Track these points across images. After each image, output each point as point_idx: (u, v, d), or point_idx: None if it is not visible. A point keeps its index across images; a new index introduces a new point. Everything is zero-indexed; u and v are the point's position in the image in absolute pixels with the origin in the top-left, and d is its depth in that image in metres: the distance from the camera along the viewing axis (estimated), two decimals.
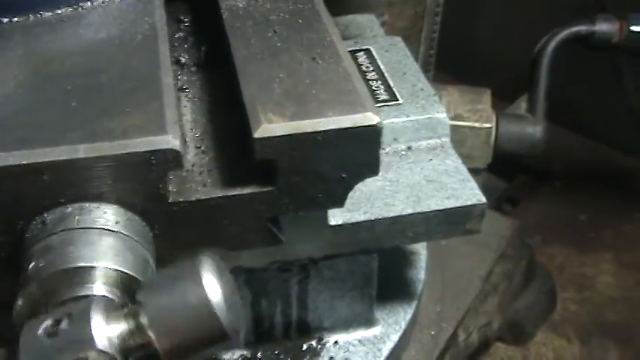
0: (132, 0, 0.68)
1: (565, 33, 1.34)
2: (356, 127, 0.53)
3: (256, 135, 0.51)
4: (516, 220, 1.46)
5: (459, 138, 1.41)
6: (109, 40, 0.62)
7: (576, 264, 1.75)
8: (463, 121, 1.36)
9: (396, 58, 0.90)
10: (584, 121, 2.13)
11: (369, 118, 0.53)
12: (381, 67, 0.88)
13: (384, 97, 0.83)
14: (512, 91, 2.21)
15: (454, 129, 1.36)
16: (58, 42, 0.62)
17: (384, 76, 0.86)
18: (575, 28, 1.34)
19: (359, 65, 0.87)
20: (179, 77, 0.68)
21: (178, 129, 0.52)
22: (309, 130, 0.52)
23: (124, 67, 0.58)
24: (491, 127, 1.35)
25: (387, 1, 1.15)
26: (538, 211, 2.02)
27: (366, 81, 0.84)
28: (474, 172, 1.43)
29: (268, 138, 0.51)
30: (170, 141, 0.51)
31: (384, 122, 0.75)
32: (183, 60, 0.70)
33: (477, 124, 1.35)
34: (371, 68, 0.87)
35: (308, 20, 0.66)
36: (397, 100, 0.82)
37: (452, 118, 1.38)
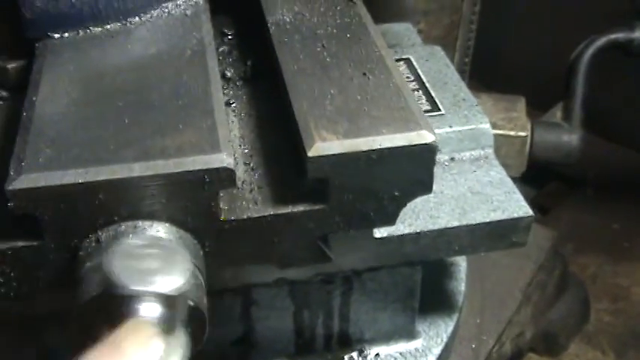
0: (179, 15, 0.69)
1: (603, 40, 1.32)
2: (411, 146, 0.52)
3: (310, 154, 0.51)
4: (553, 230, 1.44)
5: (495, 146, 1.40)
6: (158, 56, 0.62)
7: (610, 274, 1.73)
8: (497, 129, 1.34)
9: (437, 68, 0.89)
10: (618, 128, 2.10)
11: (424, 136, 0.52)
12: (422, 76, 0.87)
13: (425, 107, 0.82)
14: (545, 100, 2.19)
15: None
16: (109, 57, 0.62)
17: (425, 86, 0.85)
18: (613, 35, 1.32)
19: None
20: (225, 91, 0.68)
21: (231, 147, 0.52)
22: (364, 148, 0.51)
23: (175, 84, 0.58)
24: (526, 136, 1.33)
25: (423, 10, 1.14)
26: (569, 220, 1.99)
27: None
28: None
29: (322, 157, 0.51)
30: (224, 159, 0.50)
31: None
32: (229, 74, 0.70)
33: (511, 133, 1.34)
34: (412, 78, 0.87)
35: (356, 34, 0.66)
36: (439, 110, 0.82)
37: None
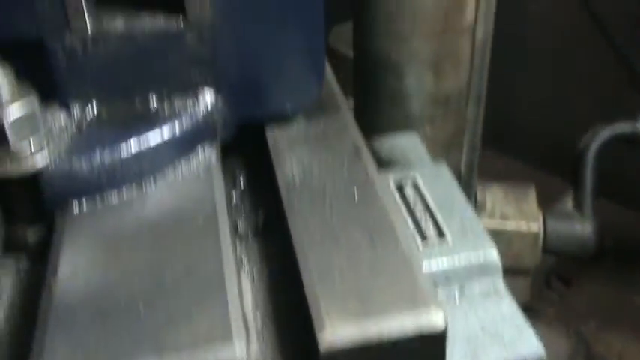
0: (193, 177, 0.72)
1: (608, 134, 1.34)
2: (421, 334, 0.54)
3: (322, 347, 0.53)
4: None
5: (506, 240, 1.42)
6: (172, 225, 0.65)
7: (635, 352, 1.70)
8: (509, 223, 1.36)
9: (443, 190, 0.91)
10: (632, 193, 2.10)
11: (434, 323, 0.54)
12: (428, 200, 0.89)
13: (433, 235, 0.83)
14: (550, 161, 2.19)
15: (501, 233, 1.38)
16: (125, 227, 0.65)
17: (431, 211, 0.87)
18: (618, 129, 1.34)
19: (405, 198, 0.88)
20: (237, 248, 0.70)
21: (244, 336, 0.54)
22: (375, 336, 0.53)
23: (188, 262, 0.60)
24: (538, 230, 1.35)
25: (429, 116, 1.17)
26: (591, 293, 1.97)
27: (414, 216, 0.86)
28: (523, 272, 1.43)
29: (334, 348, 0.53)
30: (236, 351, 0.52)
31: (435, 269, 0.78)
32: (240, 228, 0.73)
33: (523, 228, 1.35)
34: (418, 202, 0.88)
35: (364, 193, 0.68)
36: (446, 238, 0.83)
37: (498, 221, 1.39)
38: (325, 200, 0.68)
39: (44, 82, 0.69)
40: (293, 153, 0.76)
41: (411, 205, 0.86)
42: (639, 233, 2.16)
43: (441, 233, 0.82)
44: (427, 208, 0.86)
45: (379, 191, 0.69)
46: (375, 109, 1.19)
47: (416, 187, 0.88)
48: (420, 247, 0.79)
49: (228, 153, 0.80)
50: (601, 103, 2.13)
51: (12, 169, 0.62)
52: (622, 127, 1.33)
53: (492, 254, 0.82)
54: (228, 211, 0.74)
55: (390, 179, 0.89)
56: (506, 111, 2.29)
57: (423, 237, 0.81)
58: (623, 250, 2.07)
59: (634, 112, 1.93)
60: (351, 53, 1.47)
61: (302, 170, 0.73)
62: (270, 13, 0.71)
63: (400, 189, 0.88)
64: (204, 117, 0.73)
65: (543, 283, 2.02)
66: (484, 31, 1.13)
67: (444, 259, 0.78)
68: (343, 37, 1.89)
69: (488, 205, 1.38)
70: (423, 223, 0.83)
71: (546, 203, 1.49)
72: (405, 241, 0.63)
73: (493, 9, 1.11)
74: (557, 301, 1.99)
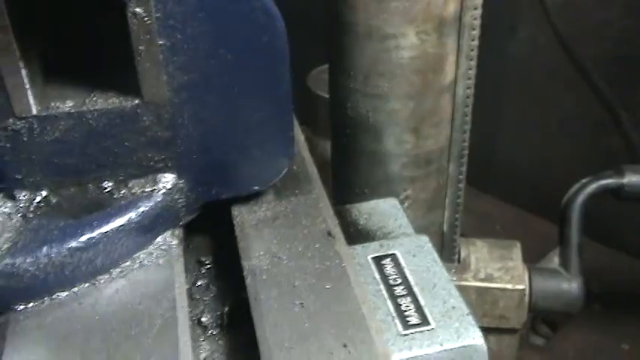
0: (152, 265, 0.66)
1: (593, 187, 1.31)
2: None
3: None
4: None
5: (492, 300, 1.36)
6: (127, 325, 0.59)
7: None
8: (495, 282, 1.31)
9: (424, 265, 0.86)
10: (619, 234, 2.07)
11: None
12: (409, 278, 0.83)
13: (415, 320, 0.78)
14: (533, 201, 2.16)
15: (486, 291, 1.33)
16: (74, 331, 0.59)
17: (412, 291, 0.82)
18: (603, 182, 1.30)
19: (386, 277, 0.83)
20: (201, 343, 0.65)
21: None
22: None
23: None
24: (524, 289, 1.30)
25: (410, 177, 1.13)
26: (577, 339, 1.92)
27: (395, 298, 0.80)
28: (509, 332, 1.38)
29: None
30: None
31: (418, 353, 0.73)
32: (204, 320, 0.67)
33: (509, 286, 1.30)
34: (399, 281, 0.83)
35: (337, 284, 0.63)
36: (429, 323, 0.78)
37: (482, 279, 1.35)
38: (294, 293, 0.62)
39: None
40: (260, 235, 0.71)
41: (391, 284, 0.81)
42: (627, 277, 2.12)
43: (424, 318, 0.76)
44: (409, 288, 0.80)
45: (352, 282, 0.64)
46: (353, 168, 1.14)
47: (396, 264, 0.83)
48: (402, 333, 0.74)
49: (190, 231, 0.75)
50: (583, 144, 2.12)
51: None
52: (607, 181, 1.29)
53: (478, 342, 0.77)
54: (191, 302, 0.69)
55: (369, 255, 0.84)
56: (489, 149, 2.27)
57: (405, 322, 0.76)
58: (610, 294, 2.03)
59: (616, 153, 1.91)
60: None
61: (269, 257, 0.67)
62: (232, 88, 0.67)
63: (379, 265, 0.83)
64: (165, 202, 0.68)
65: (529, 328, 1.97)
66: (464, 88, 1.09)
67: (427, 349, 0.73)
68: (322, 80, 1.85)
69: (473, 262, 1.33)
70: (404, 306, 0.78)
71: (529, 243, 1.45)
72: (379, 341, 0.57)
73: (474, 66, 1.07)
74: (543, 346, 1.94)
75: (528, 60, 2.13)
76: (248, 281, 0.64)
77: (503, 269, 1.32)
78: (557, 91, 2.10)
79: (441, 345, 0.75)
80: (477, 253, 1.36)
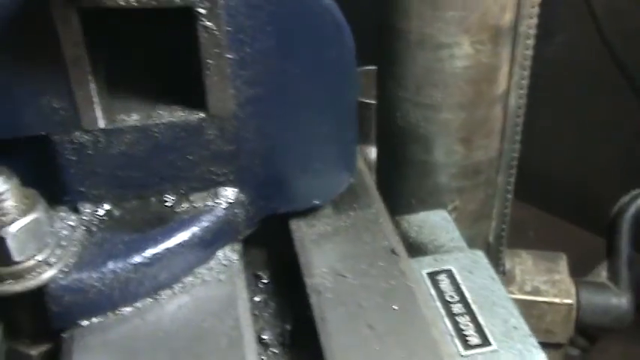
0: (213, 281, 0.65)
1: None
2: None
3: None
4: None
5: (538, 313, 1.34)
6: (192, 341, 0.58)
7: None
8: (542, 296, 1.28)
9: (481, 282, 0.84)
10: None
11: None
12: (467, 295, 0.81)
13: (475, 340, 0.76)
14: (568, 208, 2.11)
15: (532, 304, 1.30)
16: (139, 346, 0.58)
17: (471, 309, 0.80)
18: None
19: (442, 294, 0.81)
20: None
21: None
22: None
23: None
24: (572, 303, 1.27)
25: (458, 188, 1.11)
26: (616, 353, 1.88)
27: (453, 316, 0.79)
28: (554, 347, 1.35)
29: None
30: None
31: None
32: (265, 337, 0.66)
33: (556, 300, 1.28)
34: (456, 298, 0.81)
35: (404, 305, 0.62)
36: (490, 344, 0.76)
37: (529, 292, 1.32)
38: (361, 314, 0.61)
39: (52, 182, 0.63)
40: (321, 251, 0.70)
41: (448, 301, 0.79)
42: None
43: (484, 339, 0.74)
44: (467, 306, 0.78)
45: (420, 303, 0.62)
46: (401, 178, 1.12)
47: (453, 282, 0.81)
48: (462, 354, 0.72)
49: (247, 246, 0.74)
50: (622, 151, 2.08)
51: (14, 288, 0.56)
52: None
53: None
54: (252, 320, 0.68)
55: (423, 270, 0.83)
56: (523, 155, 2.25)
57: (465, 342, 0.74)
58: None
59: None
60: (367, 100, 1.42)
61: (332, 273, 0.66)
62: (298, 102, 0.65)
63: (435, 281, 0.82)
64: (226, 216, 0.67)
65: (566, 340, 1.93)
66: (517, 98, 1.07)
67: None
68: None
69: (518, 274, 1.30)
70: (462, 325, 0.76)
71: (572, 254, 1.42)
72: None
73: (527, 76, 1.05)
74: (579, 357, 1.91)
75: (565, 65, 2.09)
76: (312, 300, 0.63)
77: (549, 282, 1.29)
78: (596, 97, 2.06)
79: None
80: (522, 265, 1.33)
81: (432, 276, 0.83)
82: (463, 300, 0.81)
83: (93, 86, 0.60)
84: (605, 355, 1.88)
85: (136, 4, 0.51)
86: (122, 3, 0.51)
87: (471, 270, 0.86)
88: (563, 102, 2.16)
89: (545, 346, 1.39)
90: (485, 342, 0.76)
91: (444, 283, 0.84)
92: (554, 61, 2.07)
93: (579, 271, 1.41)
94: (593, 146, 2.15)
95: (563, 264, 1.34)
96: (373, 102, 1.17)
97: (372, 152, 1.42)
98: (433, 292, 0.80)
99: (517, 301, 1.28)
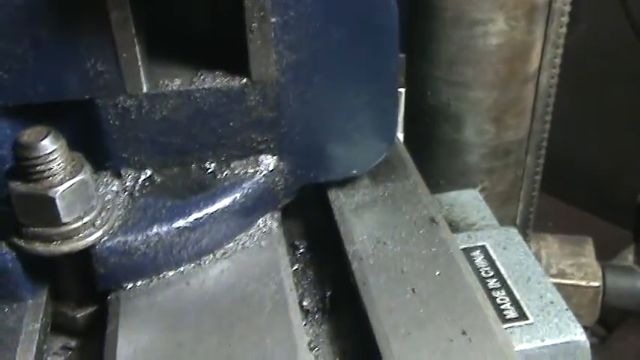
0: (254, 247, 0.65)
1: None
2: None
3: None
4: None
5: (564, 296, 1.32)
6: (236, 307, 0.58)
7: None
8: (567, 278, 1.28)
9: (516, 258, 0.84)
10: None
11: None
12: (502, 271, 0.81)
13: (512, 314, 0.75)
14: (588, 198, 2.09)
15: (558, 287, 1.28)
16: (185, 308, 0.58)
17: (507, 284, 0.79)
18: None
19: (477, 269, 0.81)
20: (304, 327, 0.63)
21: None
22: None
23: (259, 350, 0.53)
24: (599, 286, 1.26)
25: (487, 169, 1.10)
26: (634, 342, 1.87)
27: (489, 291, 0.78)
28: None
29: None
30: None
31: (517, 348, 0.70)
32: (306, 304, 0.66)
33: (583, 283, 1.27)
34: (491, 273, 0.81)
35: (447, 271, 0.61)
36: (527, 318, 0.75)
37: (555, 275, 1.31)
38: (404, 279, 0.61)
39: (96, 147, 0.63)
40: (361, 220, 0.69)
41: (484, 276, 0.79)
42: None
43: (521, 313, 0.74)
44: (503, 281, 0.78)
45: (463, 269, 0.62)
46: (430, 158, 1.12)
47: (487, 257, 0.81)
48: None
49: (284, 216, 0.73)
50: None
51: (62, 248, 0.56)
52: None
53: (581, 338, 0.74)
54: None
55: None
56: (550, 147, 2.24)
57: (502, 315, 0.74)
58: None
59: None
60: None
61: (373, 241, 0.66)
62: (340, 69, 0.65)
63: (469, 257, 0.81)
64: (266, 184, 0.67)
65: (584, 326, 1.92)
66: (549, 77, 1.06)
67: (527, 344, 0.71)
68: None
69: (544, 257, 1.30)
70: (499, 299, 0.76)
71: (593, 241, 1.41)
72: (500, 331, 0.55)
73: (560, 54, 1.04)
74: (596, 346, 1.89)
75: (588, 52, 2.07)
76: (354, 266, 0.63)
77: (575, 265, 1.28)
78: (619, 87, 2.05)
79: (542, 341, 0.73)
80: (548, 248, 1.32)
81: (467, 252, 0.83)
82: (498, 275, 0.81)
83: (137, 50, 0.60)
84: (624, 343, 1.87)
85: None
86: None
87: (505, 246, 0.86)
88: (586, 91, 2.15)
89: None
90: (522, 316, 0.76)
91: (479, 259, 0.83)
92: (577, 49, 2.06)
93: (601, 260, 1.40)
94: (616, 135, 2.14)
95: (589, 248, 1.33)
96: (401, 90, 1.17)
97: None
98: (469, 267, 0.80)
99: None
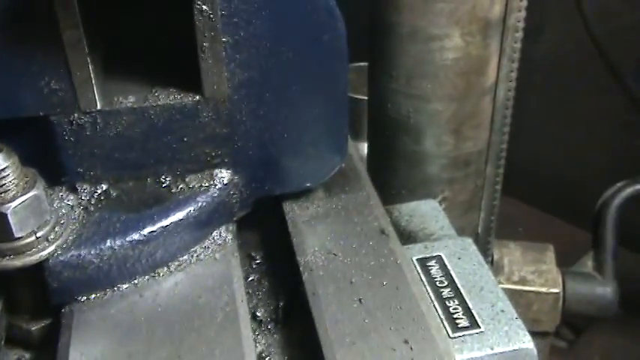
0: (209, 259, 0.67)
1: (630, 191, 1.30)
2: None
3: None
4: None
5: (525, 303, 1.36)
6: (188, 319, 0.60)
7: None
8: (528, 285, 1.31)
9: (470, 268, 0.86)
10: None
11: None
12: (456, 280, 0.83)
13: (464, 323, 0.78)
14: (557, 203, 2.12)
15: (520, 294, 1.32)
16: (137, 321, 0.60)
17: (460, 294, 0.81)
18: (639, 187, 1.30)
19: (432, 279, 0.83)
20: (257, 337, 0.65)
21: None
22: None
23: None
24: (558, 292, 1.29)
25: (448, 179, 1.13)
26: (601, 345, 1.91)
27: (442, 301, 0.81)
28: (540, 335, 1.37)
29: None
30: None
31: (467, 356, 0.73)
32: (259, 314, 0.67)
33: (543, 289, 1.30)
34: (445, 283, 0.83)
35: (393, 282, 0.64)
36: (478, 326, 0.78)
37: (516, 282, 1.34)
38: (352, 289, 0.63)
39: (50, 162, 0.65)
40: (313, 232, 0.71)
41: (438, 286, 0.81)
42: None
43: (473, 321, 0.76)
44: (456, 290, 0.80)
45: (409, 280, 0.64)
46: (391, 169, 1.14)
47: (442, 267, 0.83)
48: (451, 335, 0.74)
49: (241, 227, 0.75)
50: (610, 146, 2.11)
51: (14, 263, 0.57)
52: None
53: (528, 346, 0.77)
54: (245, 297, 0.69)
55: (414, 256, 0.85)
56: (512, 149, 2.28)
57: (454, 324, 0.76)
58: (636, 299, 2.01)
59: None
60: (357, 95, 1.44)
61: (324, 252, 0.68)
62: (291, 86, 0.67)
63: (425, 267, 0.84)
64: (221, 197, 0.69)
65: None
66: (506, 90, 1.09)
67: (478, 351, 0.73)
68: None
69: (506, 265, 1.33)
70: (452, 309, 0.78)
71: (560, 247, 1.44)
72: (441, 340, 0.58)
73: (516, 68, 1.07)
74: (565, 350, 1.93)
75: (554, 60, 2.12)
76: (305, 277, 0.65)
77: (536, 272, 1.31)
78: (584, 93, 2.09)
79: (492, 348, 0.75)
80: (510, 255, 1.35)
81: (423, 262, 0.85)
82: (452, 285, 0.83)
83: (91, 68, 0.61)
84: (591, 347, 1.91)
85: None
86: None
87: (460, 256, 0.88)
88: (552, 97, 2.19)
89: (532, 334, 1.42)
90: (474, 324, 0.78)
91: (435, 268, 0.85)
92: (543, 57, 2.10)
93: (568, 264, 1.43)
94: (580, 141, 2.18)
95: (550, 255, 1.36)
96: (364, 98, 1.20)
97: (364, 148, 1.44)
98: (424, 277, 0.82)
99: (505, 291, 1.31)
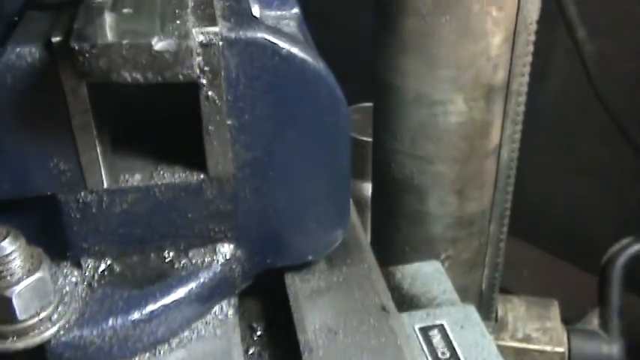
0: (209, 335, 0.67)
1: (636, 248, 1.30)
2: None
3: None
4: None
5: None
6: None
7: None
8: (534, 343, 1.30)
9: (473, 339, 0.86)
10: None
11: None
12: (458, 351, 0.83)
13: None
14: (563, 247, 2.11)
15: (524, 352, 1.31)
16: None
17: None
18: None
19: (434, 350, 0.83)
20: None
21: None
22: None
23: None
24: (563, 352, 1.28)
25: (452, 238, 1.13)
26: None
27: None
28: None
29: None
30: None
31: None
32: None
33: (548, 348, 1.29)
34: (447, 354, 0.83)
35: None
36: None
37: (520, 340, 1.33)
38: None
39: (56, 238, 0.66)
40: (315, 306, 0.72)
41: (440, 358, 0.81)
42: None
43: None
44: None
45: (407, 359, 0.64)
46: (395, 227, 1.15)
47: (445, 337, 0.84)
48: None
49: (242, 296, 0.76)
50: (617, 193, 2.11)
51: (17, 345, 0.58)
52: None
53: None
54: None
55: (416, 325, 0.85)
56: (519, 192, 2.29)
57: None
58: None
59: None
60: (362, 137, 1.45)
61: (324, 330, 0.68)
62: (294, 165, 0.68)
63: (427, 337, 0.84)
64: (223, 271, 0.69)
65: None
66: (509, 152, 1.10)
67: None
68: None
69: (510, 321, 1.32)
70: None
71: (558, 291, 1.42)
72: None
73: (519, 130, 1.08)
74: None
75: (560, 106, 2.13)
76: (305, 357, 0.65)
77: (541, 330, 1.31)
78: (591, 139, 2.10)
79: None
80: (515, 311, 1.35)
81: (425, 331, 0.85)
82: (455, 356, 0.83)
83: (99, 150, 0.62)
84: None
85: (142, 80, 0.54)
86: (129, 80, 0.54)
87: (463, 325, 0.88)
88: (558, 143, 2.20)
89: None
90: None
91: (437, 338, 0.86)
92: (549, 103, 2.12)
93: (573, 309, 1.42)
94: (586, 188, 2.19)
95: (555, 310, 1.35)
96: (369, 140, 1.21)
97: (368, 189, 1.44)
98: (425, 348, 0.82)
99: (509, 349, 1.30)
